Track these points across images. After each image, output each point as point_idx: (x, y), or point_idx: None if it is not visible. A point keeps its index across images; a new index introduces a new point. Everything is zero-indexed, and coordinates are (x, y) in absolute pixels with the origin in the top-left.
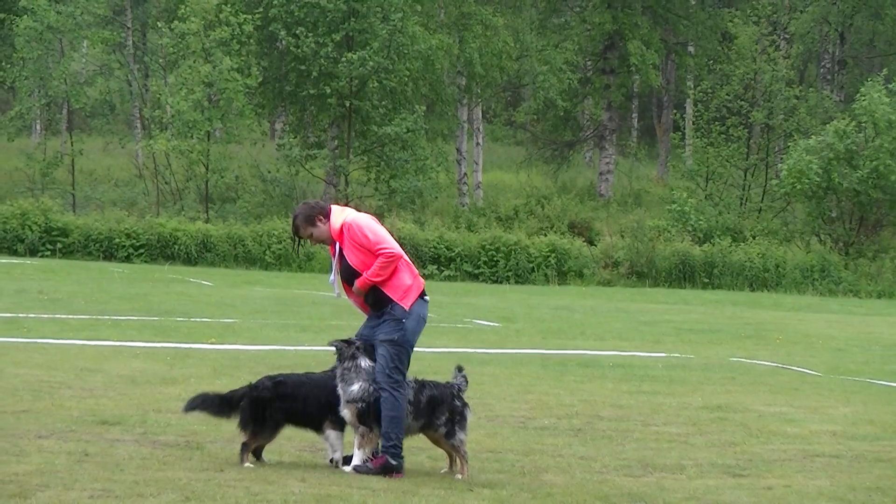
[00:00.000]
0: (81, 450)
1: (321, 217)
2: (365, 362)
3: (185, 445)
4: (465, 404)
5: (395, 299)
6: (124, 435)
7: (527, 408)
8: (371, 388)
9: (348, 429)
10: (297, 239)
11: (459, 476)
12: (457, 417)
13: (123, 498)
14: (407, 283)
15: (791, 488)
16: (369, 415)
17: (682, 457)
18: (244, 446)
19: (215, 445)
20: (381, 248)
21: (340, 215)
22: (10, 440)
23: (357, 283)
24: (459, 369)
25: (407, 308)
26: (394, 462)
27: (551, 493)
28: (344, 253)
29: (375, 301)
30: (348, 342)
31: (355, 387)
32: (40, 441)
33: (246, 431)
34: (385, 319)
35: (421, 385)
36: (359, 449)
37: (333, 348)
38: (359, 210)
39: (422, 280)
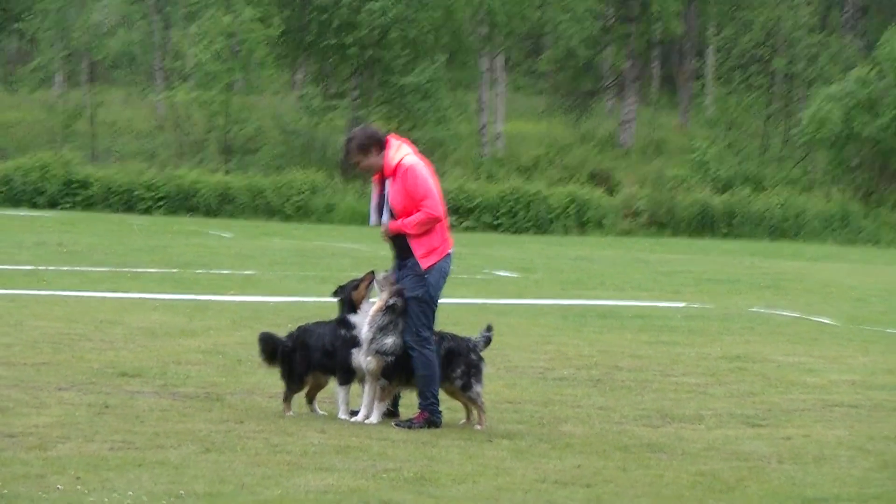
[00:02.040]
0: (101, 402)
1: (377, 148)
2: (402, 323)
3: (204, 397)
4: (480, 358)
5: (416, 255)
6: (144, 387)
7: (546, 358)
8: (402, 343)
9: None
10: (347, 163)
11: (479, 427)
12: (472, 370)
13: (143, 449)
14: (435, 244)
15: (810, 438)
16: (396, 368)
17: (701, 407)
18: (284, 397)
19: (235, 397)
20: (424, 204)
21: (398, 152)
22: (31, 392)
23: (390, 224)
24: (488, 329)
25: (424, 267)
26: (434, 418)
27: (570, 444)
28: (390, 191)
29: (400, 249)
30: (404, 298)
31: (389, 340)
32: (60, 393)
33: (284, 381)
34: (408, 274)
35: (440, 338)
36: (379, 402)
37: (394, 301)
38: (416, 150)
39: (451, 242)
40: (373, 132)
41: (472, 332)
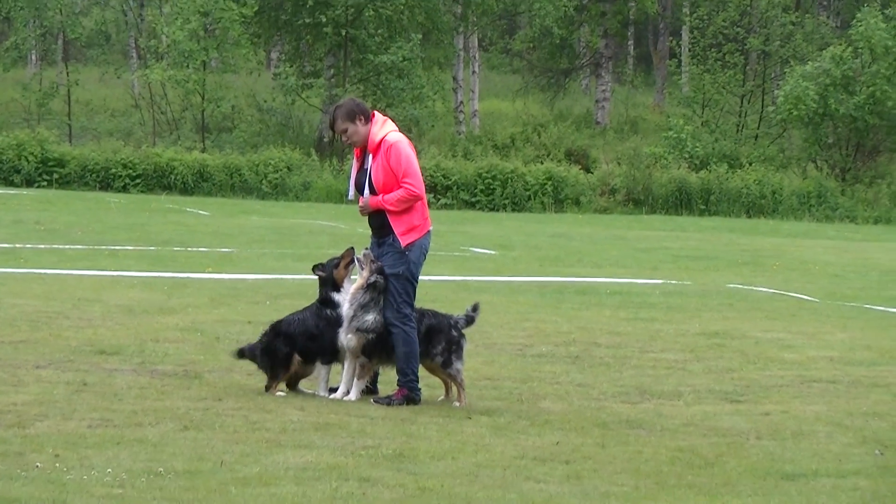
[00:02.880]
0: (80, 379)
1: (362, 118)
2: (383, 300)
3: (183, 375)
4: (461, 335)
5: (396, 232)
6: (122, 364)
7: (524, 335)
8: (382, 321)
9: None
10: (332, 132)
11: (457, 404)
12: (453, 347)
13: (122, 427)
14: (415, 222)
15: (788, 414)
16: (376, 346)
17: (680, 383)
18: (267, 388)
19: (213, 374)
20: (407, 182)
21: (382, 127)
22: (9, 370)
23: (370, 200)
24: (474, 308)
25: (403, 245)
26: (413, 395)
27: (549, 420)
28: (372, 166)
29: (380, 226)
30: (385, 275)
31: (370, 317)
32: (38, 371)
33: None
34: (387, 251)
35: (420, 315)
36: (358, 379)
37: (375, 278)
38: (398, 128)
39: (430, 223)
40: (360, 102)
41: (451, 310)
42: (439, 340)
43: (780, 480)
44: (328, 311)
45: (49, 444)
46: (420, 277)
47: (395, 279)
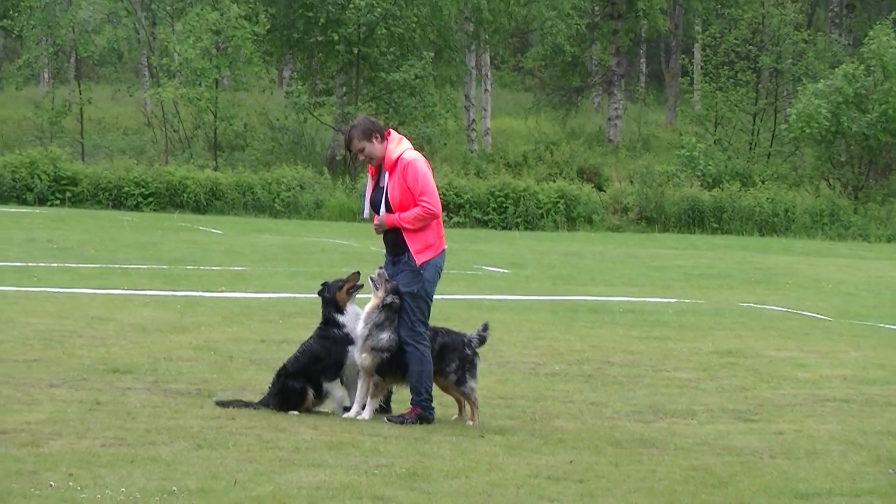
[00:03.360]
0: (93, 398)
1: (377, 136)
2: (397, 319)
3: (196, 393)
4: (475, 353)
5: (411, 250)
6: (136, 383)
7: (537, 354)
8: (396, 339)
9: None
10: (348, 152)
11: (471, 422)
12: (467, 365)
13: (135, 446)
14: (430, 241)
15: (802, 433)
16: (390, 364)
17: (693, 402)
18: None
19: (226, 393)
20: (424, 200)
21: (398, 145)
22: (22, 389)
23: (385, 218)
24: (485, 328)
25: (419, 263)
26: (426, 414)
27: (562, 439)
28: (388, 184)
29: (394, 244)
30: (400, 296)
31: (384, 335)
32: (52, 390)
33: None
34: (402, 270)
35: (434, 333)
36: (371, 398)
37: (391, 299)
38: (413, 145)
39: (445, 242)
40: (375, 121)
41: (464, 328)
42: (453, 359)
43: (793, 499)
44: (334, 331)
45: (63, 463)
46: (434, 297)
47: (409, 297)
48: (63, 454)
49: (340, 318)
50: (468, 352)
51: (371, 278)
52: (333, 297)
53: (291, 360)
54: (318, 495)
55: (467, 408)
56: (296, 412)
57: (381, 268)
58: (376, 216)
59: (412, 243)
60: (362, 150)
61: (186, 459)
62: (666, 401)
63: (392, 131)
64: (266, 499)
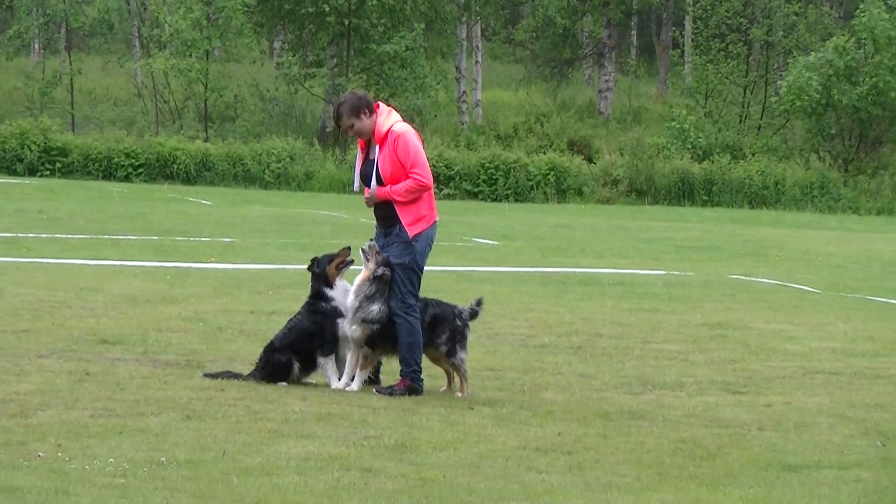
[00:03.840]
0: (82, 369)
1: (367, 110)
2: (388, 291)
3: (185, 364)
4: (465, 325)
5: (403, 222)
6: (125, 354)
7: (526, 326)
8: (387, 312)
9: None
10: (337, 128)
11: (460, 394)
12: (457, 336)
13: (124, 417)
14: (422, 212)
15: (791, 405)
16: (380, 336)
17: (682, 374)
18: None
19: (216, 364)
20: (415, 172)
21: (388, 118)
22: (11, 359)
23: (377, 191)
24: (478, 303)
25: (410, 235)
26: (415, 385)
27: (551, 411)
28: (379, 157)
29: (386, 216)
30: (391, 267)
31: (375, 307)
32: (41, 360)
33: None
34: (394, 241)
35: (424, 304)
36: (360, 370)
37: (382, 271)
38: (402, 117)
39: (436, 214)
40: (363, 95)
41: (454, 301)
42: (443, 330)
43: (781, 472)
44: (323, 305)
45: (51, 434)
46: (424, 268)
47: (400, 269)
48: (52, 425)
49: (329, 293)
50: (458, 323)
51: (362, 250)
52: (323, 272)
53: (279, 336)
54: (306, 466)
55: (456, 380)
56: (284, 383)
57: (371, 240)
58: (367, 189)
59: (404, 215)
60: (352, 127)
61: (175, 430)
62: (655, 373)
63: (381, 104)
64: (255, 470)
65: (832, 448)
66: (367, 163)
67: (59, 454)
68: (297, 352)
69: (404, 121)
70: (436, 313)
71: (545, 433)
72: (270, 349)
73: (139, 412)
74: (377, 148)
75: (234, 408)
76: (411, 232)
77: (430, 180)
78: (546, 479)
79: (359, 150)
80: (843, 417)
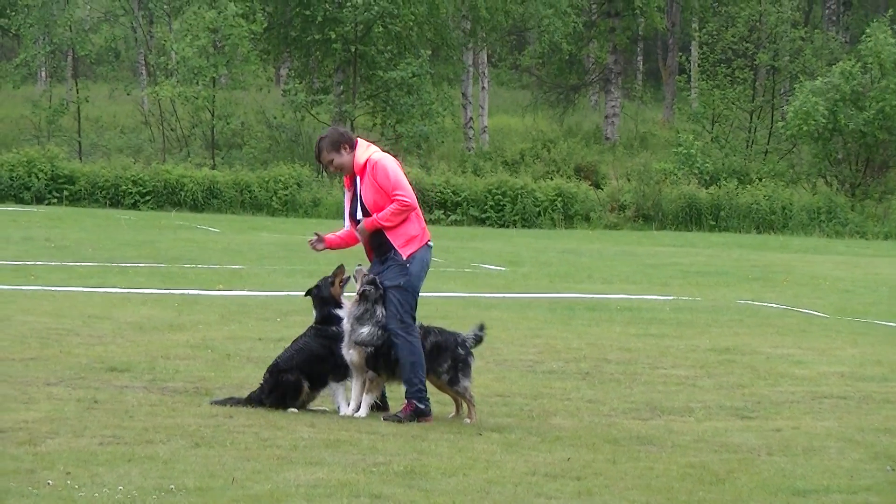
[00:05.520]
0: (90, 397)
1: (346, 146)
2: (380, 311)
3: (193, 392)
4: (468, 352)
5: (396, 246)
6: (133, 382)
7: (535, 351)
8: (379, 333)
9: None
10: (318, 163)
11: (468, 420)
12: (460, 365)
13: (133, 444)
14: (412, 233)
15: (799, 430)
16: (377, 360)
17: (690, 399)
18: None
19: (224, 391)
20: (398, 194)
21: (366, 151)
22: (19, 387)
23: (364, 222)
24: (481, 328)
25: (405, 257)
26: (422, 406)
27: (560, 437)
28: (361, 189)
29: (379, 245)
30: (376, 286)
31: (365, 330)
32: (49, 388)
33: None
34: (389, 265)
35: (426, 332)
36: (367, 394)
37: (364, 288)
38: (384, 150)
39: (428, 233)
40: (344, 131)
41: (461, 326)
42: (445, 358)
43: (791, 497)
44: (332, 329)
45: (60, 462)
46: (430, 294)
47: (396, 291)
48: (60, 453)
49: (340, 313)
50: (461, 351)
51: (354, 274)
52: (329, 295)
53: (285, 358)
54: (315, 493)
55: (464, 406)
56: (294, 409)
57: (359, 265)
58: (353, 225)
59: (395, 238)
60: (331, 162)
61: (184, 458)
62: (663, 398)
63: (360, 140)
64: (264, 497)
65: (841, 473)
66: (355, 198)
67: (68, 482)
68: (304, 373)
69: (384, 151)
70: (437, 341)
71: (554, 459)
72: (276, 370)
73: (148, 440)
74: (358, 180)
75: (243, 434)
76: (404, 253)
77: (413, 201)
78: None
79: (346, 190)
80: (852, 442)
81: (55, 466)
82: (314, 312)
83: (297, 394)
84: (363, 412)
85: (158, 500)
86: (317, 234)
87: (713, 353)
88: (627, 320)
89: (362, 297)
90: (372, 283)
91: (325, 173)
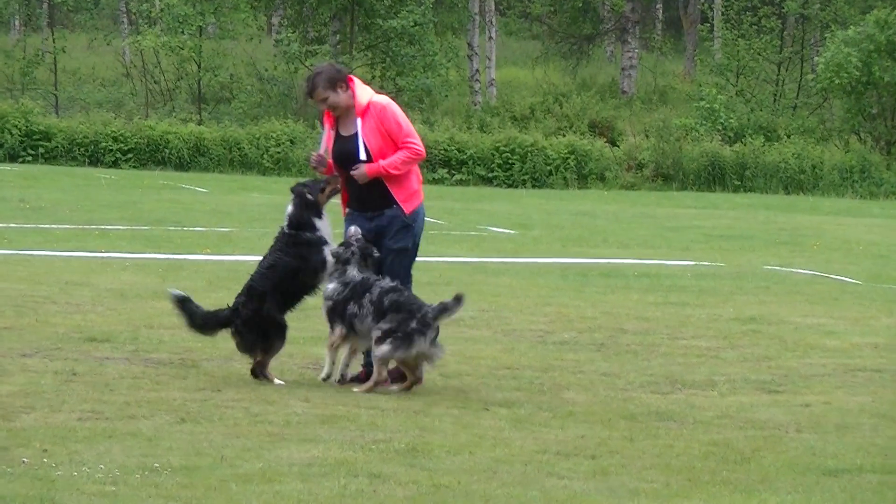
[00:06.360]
0: (69, 369)
1: (343, 84)
2: (353, 272)
3: (179, 364)
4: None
5: (398, 200)
6: (114, 353)
7: (545, 321)
8: (341, 289)
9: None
10: (308, 99)
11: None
12: (399, 333)
13: (114, 420)
14: (414, 187)
15: (830, 405)
16: (334, 313)
17: (713, 372)
18: (261, 365)
19: (212, 363)
20: (409, 141)
21: (366, 91)
22: None
23: (366, 168)
24: (458, 299)
25: (408, 213)
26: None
27: (572, 412)
28: (363, 131)
29: (375, 197)
30: (346, 245)
31: (330, 286)
32: (24, 360)
33: (255, 352)
34: (387, 224)
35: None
36: (329, 350)
37: (337, 251)
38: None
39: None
40: (340, 68)
41: (467, 293)
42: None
43: (821, 476)
44: (307, 234)
45: (36, 439)
46: (433, 258)
47: (403, 255)
48: (36, 429)
49: (318, 222)
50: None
51: (346, 238)
52: (315, 200)
53: (258, 278)
54: (310, 472)
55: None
56: (282, 382)
57: (354, 227)
58: (316, 155)
59: (398, 192)
60: (325, 100)
61: (169, 434)
62: (684, 371)
63: (354, 77)
64: (255, 476)
65: (875, 451)
66: (341, 139)
67: (45, 460)
68: (284, 294)
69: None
70: (396, 300)
71: (566, 436)
72: (255, 298)
73: (130, 415)
74: (358, 122)
75: (232, 410)
76: (407, 209)
77: (423, 149)
78: (568, 485)
79: (326, 126)
80: (887, 418)
81: (31, 443)
82: (287, 212)
83: (281, 340)
84: (326, 370)
85: (142, 480)
86: (321, 156)
87: (737, 323)
88: (645, 287)
89: (333, 257)
90: (342, 243)
91: (320, 128)
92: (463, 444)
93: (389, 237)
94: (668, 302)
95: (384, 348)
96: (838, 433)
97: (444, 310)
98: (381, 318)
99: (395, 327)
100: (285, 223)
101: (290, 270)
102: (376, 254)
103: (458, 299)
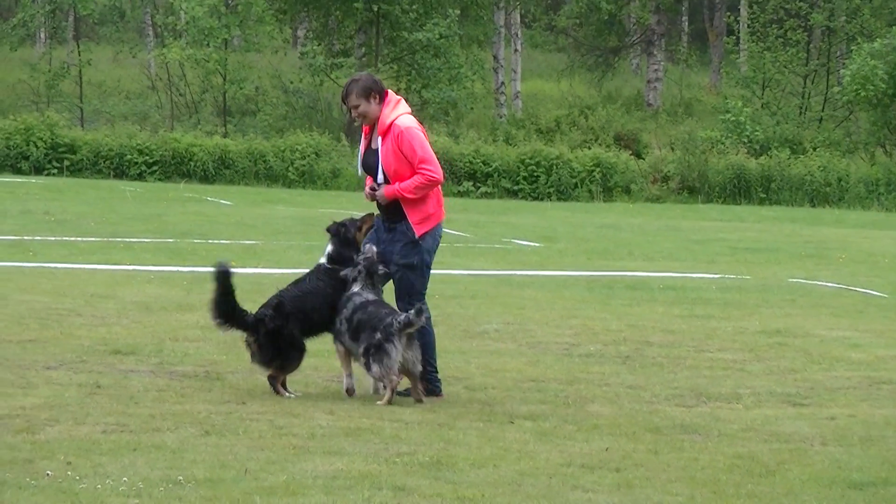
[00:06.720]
0: (93, 381)
1: (377, 95)
2: (354, 288)
3: (203, 376)
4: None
5: (410, 222)
6: (139, 365)
7: (571, 334)
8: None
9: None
10: (343, 104)
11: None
12: (372, 350)
13: (138, 432)
14: (430, 211)
15: (856, 418)
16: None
17: (738, 385)
18: (273, 379)
19: (236, 376)
20: (425, 168)
21: (394, 109)
22: (17, 371)
23: (385, 190)
24: (419, 312)
25: (418, 235)
26: (433, 387)
27: (597, 425)
28: (381, 150)
29: (393, 210)
30: (355, 264)
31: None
32: (49, 372)
33: (271, 366)
34: (398, 240)
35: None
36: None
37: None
38: (411, 111)
39: (444, 212)
40: (378, 80)
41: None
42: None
43: (846, 489)
44: (346, 272)
45: (60, 451)
46: (458, 272)
47: (407, 270)
48: (61, 441)
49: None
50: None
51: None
52: (353, 237)
53: (291, 299)
54: (334, 485)
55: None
56: (290, 393)
57: (369, 243)
58: (369, 179)
59: (412, 214)
60: (356, 107)
61: (193, 447)
62: (709, 384)
63: (390, 92)
64: (278, 489)
65: None
66: (370, 151)
67: (69, 473)
68: (310, 320)
69: (412, 114)
70: (361, 319)
71: (591, 449)
72: (282, 313)
73: (154, 427)
74: (379, 140)
75: (257, 422)
76: (418, 231)
77: (440, 175)
78: (592, 498)
79: (363, 135)
80: None
81: (55, 456)
82: (327, 250)
83: (297, 363)
84: (346, 383)
85: (166, 493)
86: (374, 188)
87: (763, 336)
88: (671, 300)
89: (344, 277)
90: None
91: (346, 141)
92: (487, 456)
93: (397, 251)
94: (694, 315)
95: (374, 369)
96: (863, 446)
97: (408, 324)
98: (356, 335)
99: (367, 346)
100: (323, 259)
101: (324, 298)
102: (381, 271)
103: (419, 312)
